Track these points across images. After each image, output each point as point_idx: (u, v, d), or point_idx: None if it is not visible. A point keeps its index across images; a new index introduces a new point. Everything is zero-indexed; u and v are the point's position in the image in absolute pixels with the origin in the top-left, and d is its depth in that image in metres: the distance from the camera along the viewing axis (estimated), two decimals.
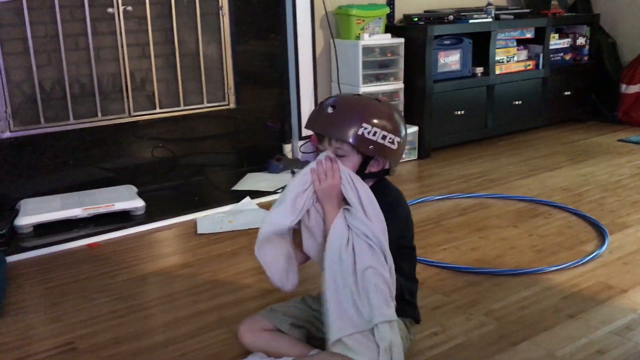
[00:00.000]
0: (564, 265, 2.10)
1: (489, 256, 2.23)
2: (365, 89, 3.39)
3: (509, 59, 3.88)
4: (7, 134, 2.67)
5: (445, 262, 2.16)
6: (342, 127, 1.44)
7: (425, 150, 3.57)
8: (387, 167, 1.53)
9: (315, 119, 1.49)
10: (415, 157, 3.56)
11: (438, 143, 3.64)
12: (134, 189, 2.80)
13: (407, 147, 3.48)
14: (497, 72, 3.81)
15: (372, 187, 1.49)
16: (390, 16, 3.59)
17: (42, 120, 2.75)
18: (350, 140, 1.43)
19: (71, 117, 2.82)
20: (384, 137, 1.45)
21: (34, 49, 2.69)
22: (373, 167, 1.51)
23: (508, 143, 3.90)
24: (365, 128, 1.43)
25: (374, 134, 1.44)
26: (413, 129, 3.51)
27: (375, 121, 1.44)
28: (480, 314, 1.80)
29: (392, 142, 1.47)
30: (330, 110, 1.45)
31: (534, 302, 1.86)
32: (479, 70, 3.76)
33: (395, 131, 1.48)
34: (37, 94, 2.73)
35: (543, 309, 1.82)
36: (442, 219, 2.62)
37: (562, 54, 4.19)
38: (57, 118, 2.79)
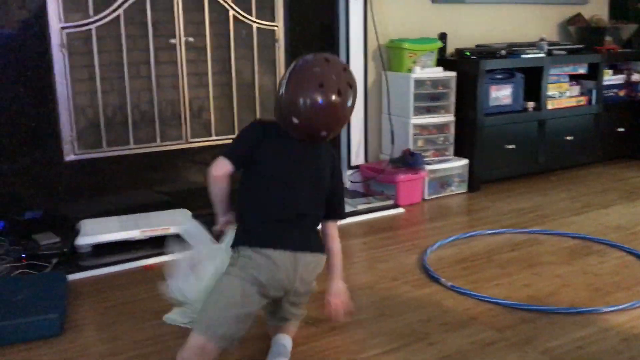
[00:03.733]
0: (622, 306, 2.05)
1: (542, 293, 2.19)
2: (416, 120, 3.41)
3: (561, 94, 3.85)
4: (72, 157, 2.78)
5: (498, 298, 2.14)
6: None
7: (475, 183, 3.55)
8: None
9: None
10: (465, 190, 3.54)
11: (488, 176, 3.62)
12: (189, 213, 2.87)
13: (457, 179, 3.51)
14: (549, 107, 3.78)
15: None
16: (442, 50, 3.62)
17: (104, 144, 2.86)
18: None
19: (131, 142, 2.92)
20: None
21: (100, 75, 2.81)
22: None
23: (559, 178, 3.85)
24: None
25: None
26: (463, 162, 3.51)
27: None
28: (536, 352, 1.78)
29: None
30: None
31: (592, 343, 1.82)
32: (531, 104, 3.74)
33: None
34: (101, 119, 2.84)
35: (602, 351, 1.78)
36: (494, 254, 2.60)
37: (616, 90, 4.13)
38: (118, 142, 2.90)
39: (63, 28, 2.66)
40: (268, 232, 1.66)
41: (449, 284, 2.26)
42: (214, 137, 3.13)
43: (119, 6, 2.76)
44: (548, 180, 3.81)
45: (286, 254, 1.64)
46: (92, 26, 2.73)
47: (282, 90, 1.63)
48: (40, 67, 2.66)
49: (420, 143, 3.45)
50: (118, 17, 2.77)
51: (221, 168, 1.67)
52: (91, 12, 2.71)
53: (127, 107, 2.90)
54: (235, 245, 1.70)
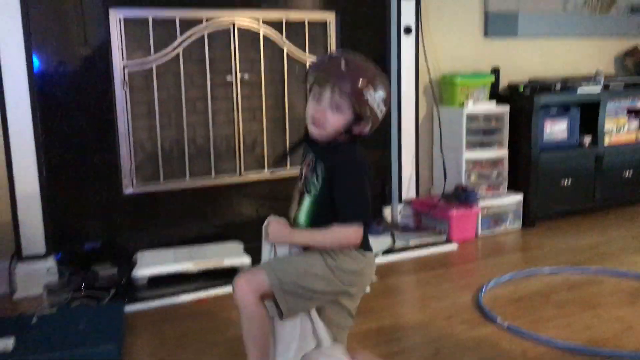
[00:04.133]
0: None
1: (604, 336, 2.12)
2: (469, 155, 3.38)
3: (619, 129, 3.75)
4: (130, 190, 2.86)
5: (558, 340, 2.07)
6: (352, 83, 1.53)
7: (530, 219, 3.48)
8: (365, 132, 1.61)
9: (325, 67, 1.58)
10: (520, 227, 3.47)
11: (543, 213, 3.54)
12: (241, 246, 2.90)
13: (511, 215, 3.44)
14: (606, 142, 3.69)
15: (344, 143, 1.60)
16: (494, 84, 3.59)
17: (161, 177, 2.94)
18: (354, 97, 1.53)
19: (187, 175, 2.99)
20: (378, 105, 1.57)
21: (158, 111, 2.90)
22: (356, 129, 1.59)
23: (618, 216, 3.73)
24: (369, 91, 1.54)
25: (374, 100, 1.55)
26: (517, 197, 3.45)
27: (378, 88, 1.56)
28: None
29: (382, 112, 1.59)
30: (343, 64, 1.54)
31: None
32: (587, 139, 3.66)
33: (387, 103, 1.59)
34: (159, 153, 2.92)
35: None
36: (552, 294, 2.52)
37: None
38: (174, 175, 2.97)
39: (125, 66, 2.76)
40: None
41: (506, 324, 2.20)
42: (266, 171, 3.18)
43: (179, 45, 2.86)
44: (606, 217, 3.70)
45: (373, 254, 1.69)
46: (153, 64, 2.83)
47: (381, 93, 1.57)
48: (102, 104, 2.77)
49: (473, 178, 3.41)
50: (178, 55, 2.87)
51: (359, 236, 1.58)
52: (152, 50, 2.82)
53: (184, 142, 2.97)
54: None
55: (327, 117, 1.55)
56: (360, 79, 1.53)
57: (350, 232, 1.55)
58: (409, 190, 3.46)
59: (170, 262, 2.67)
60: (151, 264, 2.65)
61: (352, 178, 1.57)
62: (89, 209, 2.82)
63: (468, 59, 3.65)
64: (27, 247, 2.60)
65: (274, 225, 1.62)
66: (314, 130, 1.59)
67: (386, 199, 3.47)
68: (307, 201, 1.61)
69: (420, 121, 3.49)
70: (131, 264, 2.69)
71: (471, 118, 3.37)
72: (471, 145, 3.39)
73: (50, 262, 2.63)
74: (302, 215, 1.62)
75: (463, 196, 3.24)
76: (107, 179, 2.83)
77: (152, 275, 2.62)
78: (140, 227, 2.91)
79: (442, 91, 3.54)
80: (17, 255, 2.60)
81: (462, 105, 3.39)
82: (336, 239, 1.57)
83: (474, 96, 3.43)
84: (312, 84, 1.59)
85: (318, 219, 1.60)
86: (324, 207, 1.59)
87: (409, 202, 3.45)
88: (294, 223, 1.65)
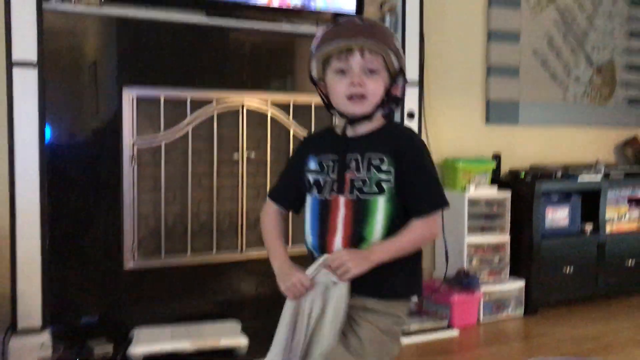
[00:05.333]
0: None
1: None
2: (470, 239, 3.39)
3: (620, 217, 3.78)
4: (131, 265, 2.85)
5: None
6: (384, 37, 1.39)
7: (532, 306, 3.44)
8: (399, 94, 1.46)
9: (349, 30, 1.40)
10: (522, 313, 3.43)
11: (546, 300, 3.51)
12: (239, 326, 2.85)
13: (513, 301, 3.40)
14: (608, 230, 3.71)
15: (385, 126, 1.44)
16: (496, 170, 3.65)
17: (162, 253, 2.93)
18: (388, 50, 1.38)
19: (189, 251, 2.99)
20: (403, 58, 1.44)
21: (164, 186, 2.94)
22: (394, 90, 1.44)
23: (621, 305, 3.69)
24: (395, 40, 1.43)
25: (400, 50, 1.43)
26: (519, 284, 3.42)
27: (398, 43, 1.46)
28: None
29: (404, 63, 1.46)
30: (358, 20, 1.46)
31: None
32: (589, 227, 3.68)
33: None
34: (162, 228, 2.94)
35: None
36: None
37: None
38: (176, 251, 2.97)
39: (135, 143, 2.82)
40: None
41: None
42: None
43: (189, 123, 2.93)
44: (609, 306, 3.65)
45: None
46: (162, 142, 2.89)
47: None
48: (110, 179, 2.81)
49: (474, 263, 3.40)
50: (187, 133, 2.93)
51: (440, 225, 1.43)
52: (162, 128, 2.88)
53: (187, 217, 2.99)
54: (406, 295, 1.47)
55: (368, 85, 1.38)
56: (384, 28, 1.43)
57: (433, 224, 1.37)
58: None
59: (166, 340, 2.63)
60: (147, 342, 2.60)
61: (423, 158, 1.40)
62: (89, 283, 2.80)
63: (470, 144, 3.73)
64: (23, 320, 2.56)
65: (345, 256, 1.32)
66: (355, 109, 1.39)
67: None
68: (376, 207, 1.35)
69: None
70: (127, 341, 2.64)
71: (473, 203, 3.40)
72: (473, 230, 3.40)
73: (45, 337, 2.58)
74: (372, 229, 1.35)
75: (465, 281, 3.22)
76: (108, 253, 2.83)
77: (148, 354, 2.57)
78: (139, 302, 2.89)
79: (444, 175, 3.59)
80: (13, 328, 2.57)
81: (464, 189, 3.43)
82: (420, 237, 1.36)
83: (476, 181, 3.48)
84: (327, 59, 1.41)
85: (396, 223, 1.36)
86: (400, 206, 1.36)
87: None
88: (358, 245, 1.36)
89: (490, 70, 3.80)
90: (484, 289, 3.30)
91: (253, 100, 3.09)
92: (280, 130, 3.20)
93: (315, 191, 1.44)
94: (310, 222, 1.45)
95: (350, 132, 1.45)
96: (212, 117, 2.99)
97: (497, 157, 3.72)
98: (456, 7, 3.70)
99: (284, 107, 3.17)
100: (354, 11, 3.20)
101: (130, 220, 2.85)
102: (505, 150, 3.80)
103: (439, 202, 1.38)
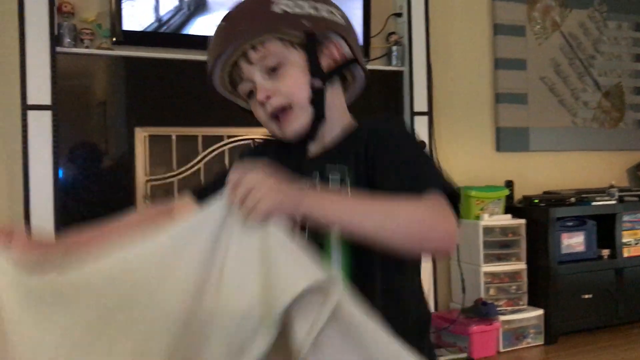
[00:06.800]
0: None
1: None
2: (487, 268, 3.34)
3: (637, 241, 3.73)
4: None
5: None
6: (252, 23, 0.98)
7: (552, 335, 3.37)
8: (347, 53, 1.03)
9: (216, 40, 1.02)
10: (542, 342, 3.36)
11: (566, 328, 3.44)
12: None
13: (532, 330, 3.34)
14: (625, 254, 3.66)
15: (358, 127, 1.03)
16: (509, 197, 3.62)
17: None
18: (269, 26, 0.97)
19: None
20: (315, 8, 1.00)
21: None
22: (326, 58, 1.02)
23: None
24: (279, 4, 0.98)
25: (299, 7, 0.98)
26: (538, 312, 3.37)
27: None
28: None
29: (332, 13, 1.02)
30: (223, 23, 1.02)
31: None
32: (606, 252, 3.63)
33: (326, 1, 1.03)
34: None
35: None
36: None
37: None
38: None
39: (148, 181, 2.83)
40: None
41: None
42: None
43: (200, 160, 2.94)
44: (630, 333, 3.58)
45: None
46: (175, 179, 2.90)
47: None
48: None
49: (492, 292, 3.35)
50: (199, 170, 2.94)
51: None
52: (174, 166, 2.90)
53: None
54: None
55: (279, 89, 0.99)
56: (254, 11, 1.00)
57: (445, 204, 0.88)
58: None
59: None
60: None
61: (403, 142, 0.99)
62: None
63: (481, 172, 3.71)
64: None
65: (254, 179, 0.83)
66: (286, 129, 1.01)
67: None
68: (330, 245, 0.95)
69: None
70: None
71: (487, 231, 3.37)
72: (489, 259, 3.37)
73: None
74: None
75: (483, 311, 3.17)
76: None
77: None
78: None
79: None
80: None
81: (477, 218, 3.40)
82: (411, 213, 0.86)
83: (489, 209, 3.45)
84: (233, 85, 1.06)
85: (365, 266, 0.95)
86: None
87: None
88: None
89: (499, 98, 3.81)
90: (503, 318, 3.25)
91: (262, 135, 3.10)
92: None
93: None
94: None
95: (313, 149, 1.05)
96: (223, 152, 3.01)
97: (509, 184, 3.70)
98: (462, 37, 3.73)
99: None
100: (361, 43, 3.23)
101: None
102: (517, 177, 3.78)
103: (436, 182, 0.92)
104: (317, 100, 1.01)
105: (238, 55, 1.00)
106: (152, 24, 2.84)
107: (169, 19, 2.89)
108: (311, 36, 0.99)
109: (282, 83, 1.00)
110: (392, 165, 0.95)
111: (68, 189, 2.69)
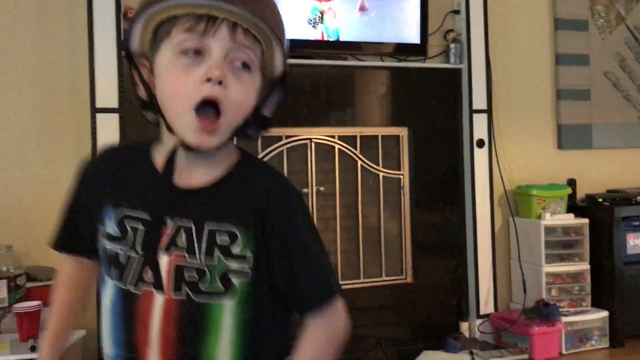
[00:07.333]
0: None
1: None
2: (549, 268, 3.27)
3: None
4: None
5: None
6: (271, 14, 0.85)
7: (618, 338, 3.27)
8: (271, 114, 0.94)
9: None
10: (607, 346, 3.27)
11: (633, 331, 3.33)
12: None
13: (596, 333, 3.25)
14: None
15: (239, 167, 0.90)
16: (571, 195, 3.53)
17: None
18: (279, 38, 0.86)
19: None
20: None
21: None
22: (267, 108, 0.92)
23: None
24: (286, 33, 0.88)
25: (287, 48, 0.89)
26: (603, 314, 3.27)
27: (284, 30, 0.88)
28: None
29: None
30: None
31: None
32: None
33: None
34: None
35: None
36: None
37: None
38: None
39: None
40: None
41: None
42: (340, 282, 3.16)
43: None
44: None
45: None
46: None
47: None
48: None
49: (554, 292, 3.28)
50: None
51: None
52: None
53: None
54: None
55: (231, 89, 0.83)
56: (272, 4, 0.87)
57: (340, 315, 0.93)
58: (487, 305, 3.36)
59: None
60: None
61: (304, 224, 0.90)
62: None
63: (542, 170, 3.64)
64: None
65: None
66: (202, 137, 0.84)
67: (463, 314, 3.36)
68: (220, 315, 0.85)
69: (496, 232, 3.44)
70: None
71: (549, 230, 3.30)
72: (550, 259, 3.29)
73: None
74: (214, 352, 0.85)
75: (545, 312, 3.11)
76: None
77: None
78: None
79: (517, 203, 3.50)
80: None
81: (539, 217, 3.33)
82: (330, 344, 0.91)
83: (551, 208, 3.38)
84: (165, 25, 0.84)
85: (258, 337, 0.87)
86: (263, 308, 0.87)
87: (486, 317, 3.33)
88: None
89: (560, 94, 3.71)
90: (565, 319, 3.17)
91: (321, 135, 3.13)
92: (348, 162, 3.23)
93: (113, 272, 0.88)
94: (108, 320, 0.90)
95: (181, 178, 0.89)
96: (282, 152, 3.05)
97: (571, 183, 3.61)
98: (522, 32, 3.66)
99: (351, 140, 3.20)
100: (418, 42, 3.22)
101: None
102: (580, 175, 3.68)
103: (335, 287, 0.92)
104: (240, 130, 0.90)
105: (229, 16, 0.81)
106: None
107: None
108: (276, 83, 0.91)
109: (239, 88, 0.85)
110: (298, 263, 0.88)
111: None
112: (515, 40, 3.63)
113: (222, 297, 0.85)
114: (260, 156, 2.99)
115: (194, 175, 0.89)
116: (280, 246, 0.86)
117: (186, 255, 0.85)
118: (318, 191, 3.14)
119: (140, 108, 0.94)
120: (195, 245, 0.85)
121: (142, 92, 0.89)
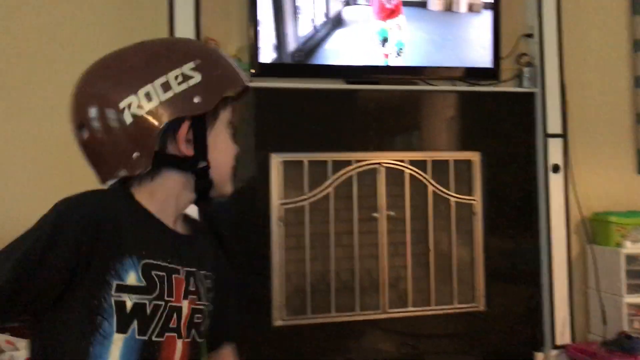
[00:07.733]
0: None
1: None
2: (630, 299, 3.13)
3: None
4: (280, 322, 2.95)
5: None
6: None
7: None
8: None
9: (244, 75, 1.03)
10: None
11: None
12: None
13: None
14: None
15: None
16: None
17: (308, 310, 3.01)
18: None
19: (333, 310, 3.04)
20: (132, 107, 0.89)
21: (309, 244, 3.04)
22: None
23: None
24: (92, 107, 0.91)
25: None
26: None
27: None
28: None
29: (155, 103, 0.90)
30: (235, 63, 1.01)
31: None
32: None
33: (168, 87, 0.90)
34: (307, 285, 3.02)
35: None
36: None
37: None
38: (321, 309, 3.03)
39: (282, 204, 2.97)
40: None
41: None
42: (410, 308, 3.14)
43: (330, 184, 3.04)
44: None
45: None
46: (306, 202, 3.01)
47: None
48: (260, 238, 2.96)
49: (636, 325, 3.13)
50: (328, 194, 3.04)
51: None
52: (306, 189, 3.01)
53: (330, 275, 3.06)
54: None
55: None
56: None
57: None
58: (563, 335, 3.24)
59: None
60: None
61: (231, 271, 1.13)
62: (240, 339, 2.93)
63: (621, 196, 3.50)
64: None
65: None
66: (230, 187, 1.02)
67: (537, 344, 3.25)
68: (203, 351, 1.01)
69: (572, 261, 3.32)
70: None
71: (631, 259, 3.16)
72: (633, 289, 3.15)
73: None
74: None
75: (627, 345, 2.97)
76: (258, 310, 2.94)
77: None
78: (287, 359, 2.96)
79: (595, 230, 3.38)
80: None
81: (618, 245, 3.20)
82: None
83: (632, 236, 3.24)
84: (222, 101, 0.97)
85: None
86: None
87: (562, 348, 3.21)
88: None
89: None
90: None
91: (390, 160, 3.14)
92: (418, 187, 3.22)
93: (134, 325, 0.85)
94: None
95: (176, 227, 0.98)
96: (352, 177, 3.08)
97: None
98: (599, 55, 3.56)
99: (422, 165, 3.19)
100: (491, 66, 3.20)
101: (278, 278, 2.96)
102: None
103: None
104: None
105: (239, 95, 1.02)
106: (284, 55, 3.00)
107: (302, 48, 3.03)
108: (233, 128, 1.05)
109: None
110: (235, 299, 1.08)
111: (210, 211, 2.87)
112: (592, 62, 3.54)
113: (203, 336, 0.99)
114: (329, 181, 3.04)
115: (178, 224, 1.00)
116: (229, 288, 1.09)
117: (196, 299, 0.95)
118: (388, 216, 3.14)
119: (188, 167, 0.96)
120: (200, 289, 0.97)
121: (187, 150, 0.94)
